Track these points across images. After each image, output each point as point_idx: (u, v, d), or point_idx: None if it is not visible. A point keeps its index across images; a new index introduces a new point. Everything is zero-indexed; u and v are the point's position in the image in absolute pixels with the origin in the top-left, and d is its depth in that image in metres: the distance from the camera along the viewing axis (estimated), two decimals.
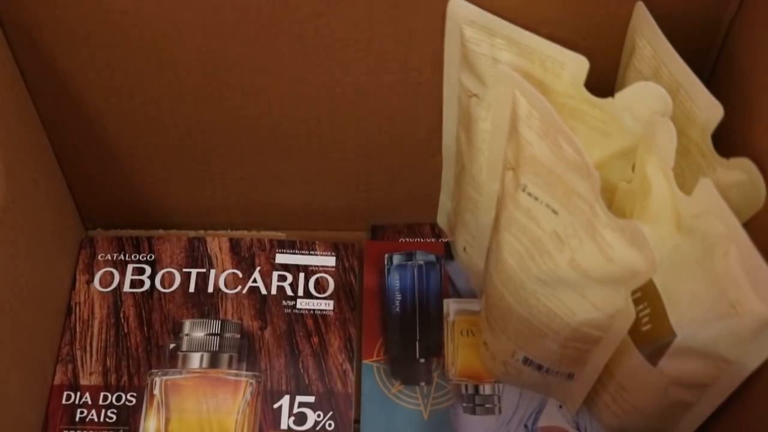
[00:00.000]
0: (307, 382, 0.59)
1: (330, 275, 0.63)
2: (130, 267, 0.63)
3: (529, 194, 0.47)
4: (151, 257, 0.63)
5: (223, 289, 0.62)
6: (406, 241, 0.66)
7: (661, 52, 0.46)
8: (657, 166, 0.44)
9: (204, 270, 0.63)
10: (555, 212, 0.46)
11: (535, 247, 0.47)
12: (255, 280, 0.63)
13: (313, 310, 0.62)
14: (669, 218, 0.44)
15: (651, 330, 0.47)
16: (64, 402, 0.57)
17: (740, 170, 0.44)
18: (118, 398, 0.58)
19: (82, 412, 0.57)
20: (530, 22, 0.50)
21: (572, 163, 0.44)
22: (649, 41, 0.47)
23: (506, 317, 0.52)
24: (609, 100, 0.46)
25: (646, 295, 0.46)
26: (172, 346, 0.60)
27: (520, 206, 0.48)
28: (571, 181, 0.44)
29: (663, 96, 0.44)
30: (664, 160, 0.44)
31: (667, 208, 0.44)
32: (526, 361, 0.54)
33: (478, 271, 0.60)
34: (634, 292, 0.47)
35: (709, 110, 0.44)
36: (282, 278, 0.63)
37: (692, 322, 0.44)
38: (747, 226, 0.45)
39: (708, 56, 0.51)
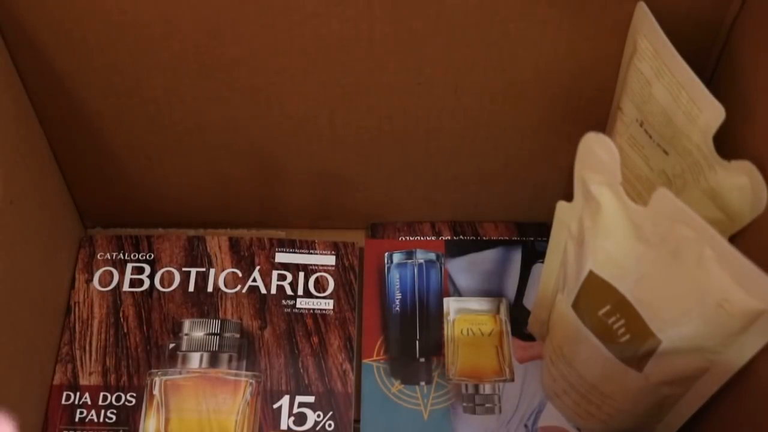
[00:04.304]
0: (306, 381, 0.59)
1: (330, 274, 0.63)
2: (129, 266, 0.63)
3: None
4: (150, 256, 0.63)
5: (223, 288, 0.62)
6: (406, 239, 0.66)
7: (663, 53, 0.46)
8: (602, 182, 0.45)
9: (203, 269, 0.63)
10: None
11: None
12: (255, 280, 0.62)
13: (313, 309, 0.62)
14: (625, 231, 0.44)
15: (630, 339, 0.47)
16: (63, 402, 0.57)
17: (742, 173, 0.44)
18: (118, 398, 0.58)
19: (81, 413, 0.57)
20: (531, 22, 0.50)
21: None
22: (650, 42, 0.47)
23: None
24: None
25: (616, 308, 0.46)
26: (171, 345, 0.60)
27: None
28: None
29: None
30: (610, 177, 0.44)
31: (622, 222, 0.44)
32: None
33: None
34: (602, 307, 0.47)
35: (711, 112, 0.44)
36: (282, 277, 0.63)
37: (675, 324, 0.44)
38: (749, 228, 0.45)
39: (709, 57, 0.51)
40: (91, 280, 0.62)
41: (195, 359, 0.59)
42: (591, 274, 0.47)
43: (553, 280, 0.54)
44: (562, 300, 0.51)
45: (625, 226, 0.44)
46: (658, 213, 0.42)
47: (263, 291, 0.62)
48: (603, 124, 0.56)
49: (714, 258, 0.41)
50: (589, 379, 0.52)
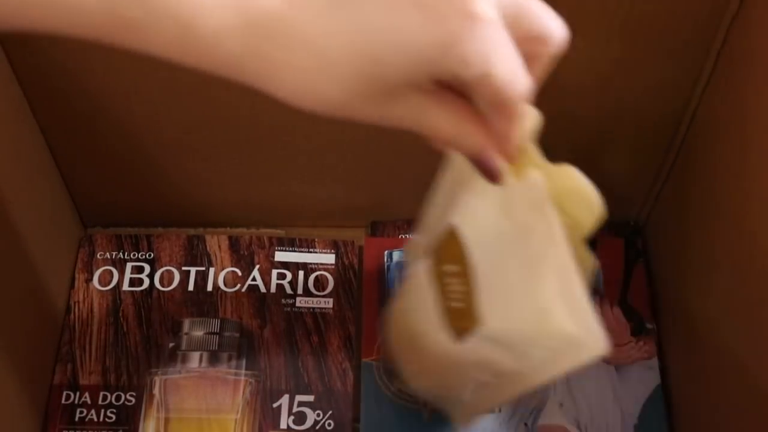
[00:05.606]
0: (306, 381, 0.59)
1: (329, 273, 0.63)
2: (129, 265, 0.63)
3: None
4: (150, 255, 0.63)
5: (223, 287, 0.62)
6: (406, 237, 0.66)
7: None
8: None
9: (203, 268, 0.63)
10: None
11: None
12: (254, 279, 0.62)
13: (313, 308, 0.62)
14: (494, 195, 0.41)
15: (460, 309, 0.44)
16: (63, 402, 0.57)
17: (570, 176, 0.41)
18: (118, 398, 0.58)
19: (81, 412, 0.57)
20: None
21: None
22: None
23: None
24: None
25: (464, 272, 0.44)
26: (171, 345, 0.60)
27: None
28: None
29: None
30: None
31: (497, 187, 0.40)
32: None
33: None
34: (450, 264, 0.45)
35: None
36: (281, 276, 0.63)
37: (501, 314, 0.42)
38: (750, 231, 0.45)
39: (709, 57, 0.51)
40: (91, 279, 0.62)
41: (195, 358, 0.59)
42: (453, 228, 0.45)
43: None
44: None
45: (495, 192, 0.40)
46: (524, 194, 0.39)
47: (263, 290, 0.62)
48: (600, 123, 0.56)
49: (554, 265, 0.38)
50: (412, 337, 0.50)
